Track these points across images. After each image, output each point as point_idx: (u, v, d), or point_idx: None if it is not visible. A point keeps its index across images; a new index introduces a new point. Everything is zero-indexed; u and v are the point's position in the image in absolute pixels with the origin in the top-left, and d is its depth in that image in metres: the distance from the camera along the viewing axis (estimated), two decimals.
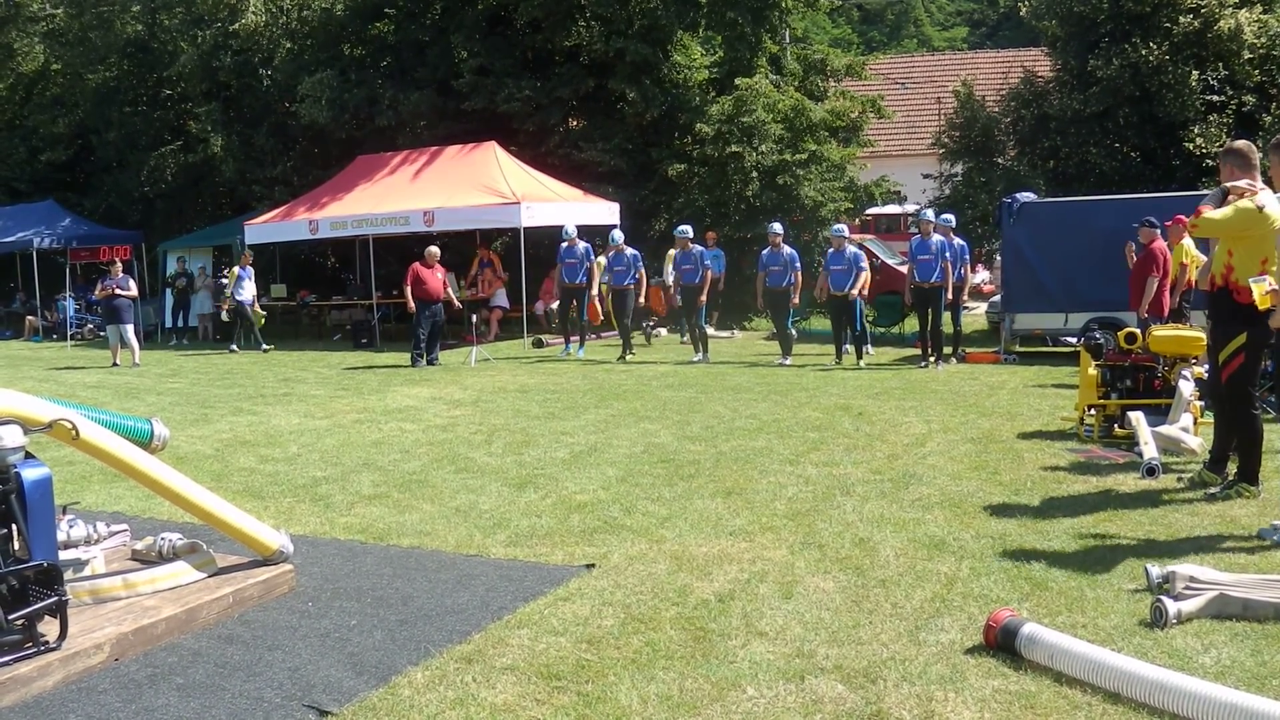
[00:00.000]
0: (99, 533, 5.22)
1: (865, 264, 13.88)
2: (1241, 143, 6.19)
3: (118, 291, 16.79)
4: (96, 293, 17.35)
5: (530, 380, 13.05)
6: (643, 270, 15.74)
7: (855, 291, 13.41)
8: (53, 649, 3.97)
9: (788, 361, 13.72)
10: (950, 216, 14.71)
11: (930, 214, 13.34)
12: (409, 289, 15.40)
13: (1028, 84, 19.59)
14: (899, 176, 25.60)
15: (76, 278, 25.33)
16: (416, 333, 15.34)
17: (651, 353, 15.54)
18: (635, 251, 15.65)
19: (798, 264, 14.05)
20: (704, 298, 14.65)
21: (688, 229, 14.83)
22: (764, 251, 14.24)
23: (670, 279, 16.24)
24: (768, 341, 15.48)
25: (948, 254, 13.19)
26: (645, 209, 20.93)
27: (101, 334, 23.54)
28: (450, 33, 21.53)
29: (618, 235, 15.65)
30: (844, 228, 14.01)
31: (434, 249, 15.84)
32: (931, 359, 13.00)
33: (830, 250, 13.91)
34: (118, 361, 16.77)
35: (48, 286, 24.43)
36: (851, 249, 13.81)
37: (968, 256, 14.57)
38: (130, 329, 16.93)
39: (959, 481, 6.81)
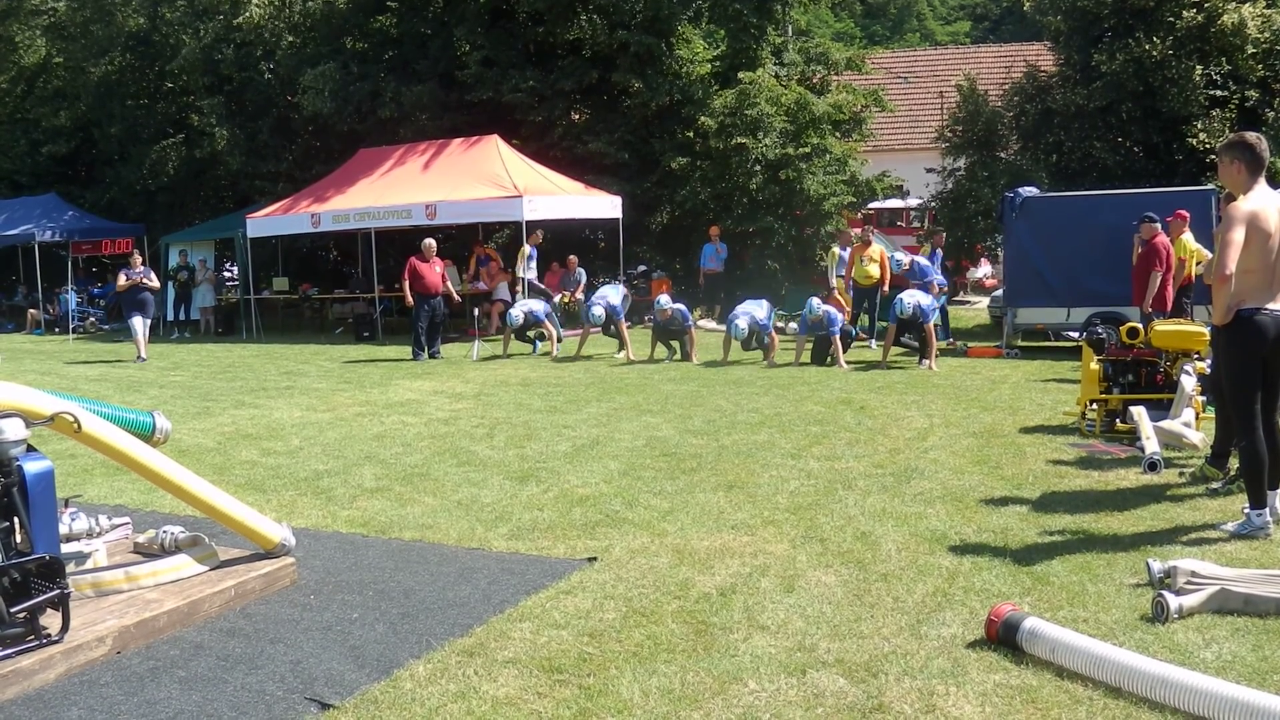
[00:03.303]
0: (101, 526, 5.24)
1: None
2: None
3: (144, 283, 16.57)
4: (119, 285, 17.08)
5: (532, 374, 13.05)
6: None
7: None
8: (55, 642, 3.98)
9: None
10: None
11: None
12: (406, 284, 15.40)
13: (1031, 78, 19.56)
14: (901, 171, 25.56)
15: (78, 271, 25.33)
16: (416, 327, 15.34)
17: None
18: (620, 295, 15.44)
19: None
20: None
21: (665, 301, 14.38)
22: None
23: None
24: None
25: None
26: (647, 201, 20.93)
27: (104, 328, 23.59)
28: (452, 25, 21.53)
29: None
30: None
31: (430, 242, 15.71)
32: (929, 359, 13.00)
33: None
34: (144, 355, 16.44)
35: (50, 279, 24.45)
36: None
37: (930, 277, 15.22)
38: (148, 322, 16.72)
39: (961, 476, 6.81)
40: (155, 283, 16.99)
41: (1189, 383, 7.54)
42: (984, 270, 23.65)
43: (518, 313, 14.98)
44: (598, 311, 14.58)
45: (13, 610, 3.91)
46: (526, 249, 17.66)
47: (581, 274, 18.68)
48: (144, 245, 23.52)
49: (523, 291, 17.30)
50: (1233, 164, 5.36)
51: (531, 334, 15.41)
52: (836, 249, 17.23)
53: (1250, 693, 3.25)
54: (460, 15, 21.49)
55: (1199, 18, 17.28)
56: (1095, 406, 8.28)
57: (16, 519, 4.08)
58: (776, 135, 19.74)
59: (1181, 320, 9.49)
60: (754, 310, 13.54)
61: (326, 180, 20.62)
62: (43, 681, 3.87)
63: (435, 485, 6.98)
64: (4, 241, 24.02)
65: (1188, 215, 11.55)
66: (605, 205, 19.13)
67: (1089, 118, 18.00)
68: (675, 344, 14.28)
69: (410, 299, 15.41)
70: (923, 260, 15.40)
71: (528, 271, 17.78)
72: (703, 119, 20.18)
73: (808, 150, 19.80)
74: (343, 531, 5.91)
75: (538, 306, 15.27)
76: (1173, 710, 3.35)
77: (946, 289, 15.59)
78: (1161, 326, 8.15)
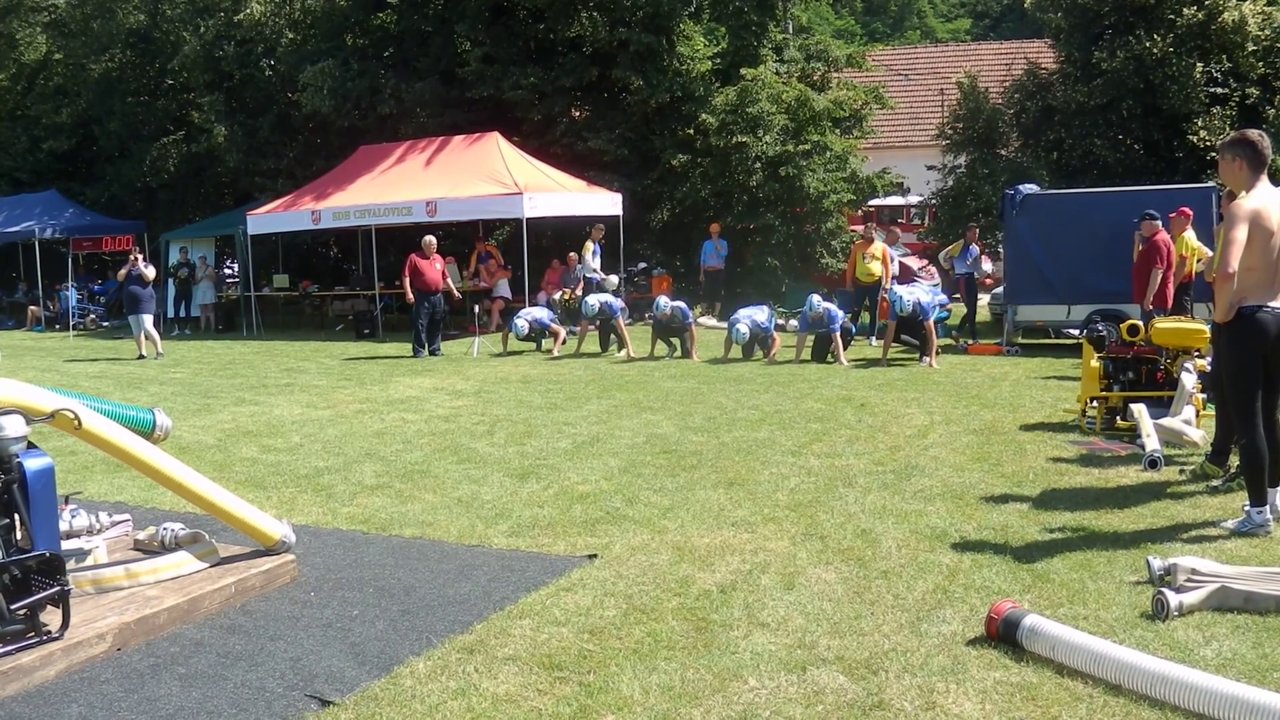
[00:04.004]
0: (101, 523, 5.23)
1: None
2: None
3: (137, 263, 16.29)
4: (120, 275, 17.05)
5: (532, 371, 13.05)
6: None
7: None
8: (55, 638, 3.98)
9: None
10: None
11: None
12: (407, 281, 15.40)
13: (1031, 76, 19.56)
14: (902, 168, 25.50)
15: (78, 268, 25.32)
16: (416, 324, 15.34)
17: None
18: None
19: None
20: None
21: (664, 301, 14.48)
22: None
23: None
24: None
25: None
26: (648, 198, 20.93)
27: (104, 325, 23.57)
28: (453, 22, 21.52)
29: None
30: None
31: (430, 239, 15.69)
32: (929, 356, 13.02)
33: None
34: (144, 354, 16.35)
35: (50, 276, 24.43)
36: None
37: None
38: (149, 319, 16.52)
39: (961, 473, 6.81)
40: (147, 269, 16.64)
41: (1189, 380, 7.54)
42: (985, 268, 23.61)
43: (523, 324, 14.91)
44: (591, 302, 14.63)
45: (13, 607, 3.91)
46: (590, 245, 17.77)
47: (581, 271, 18.68)
48: (144, 242, 23.56)
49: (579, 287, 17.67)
50: (1234, 161, 5.36)
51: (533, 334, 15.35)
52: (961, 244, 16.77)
53: (1250, 690, 3.25)
54: (461, 12, 21.47)
55: (1199, 15, 17.28)
56: (1096, 404, 8.27)
57: (17, 516, 4.08)
58: (777, 132, 19.73)
59: (1182, 318, 9.48)
60: (755, 314, 13.59)
61: (327, 177, 20.62)
62: (43, 678, 3.87)
63: (435, 482, 6.98)
64: (4, 238, 24.02)
65: (1190, 213, 11.54)
66: (606, 202, 19.13)
67: (1089, 115, 17.99)
68: (675, 341, 14.28)
69: (411, 296, 15.42)
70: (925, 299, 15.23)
71: (594, 264, 17.84)
72: (703, 116, 20.17)
73: (808, 147, 19.78)
74: (343, 528, 5.91)
75: (542, 314, 15.24)
76: (1173, 708, 3.35)
77: (942, 297, 15.37)
78: (1162, 324, 8.15)
